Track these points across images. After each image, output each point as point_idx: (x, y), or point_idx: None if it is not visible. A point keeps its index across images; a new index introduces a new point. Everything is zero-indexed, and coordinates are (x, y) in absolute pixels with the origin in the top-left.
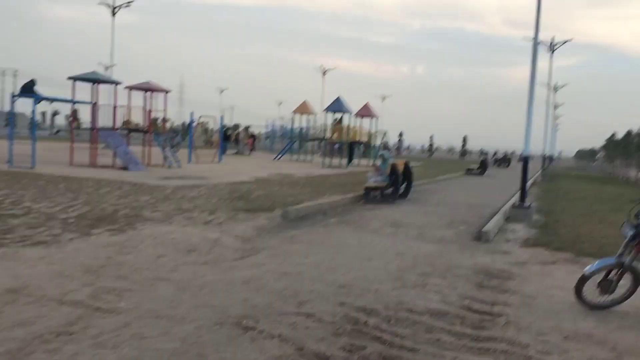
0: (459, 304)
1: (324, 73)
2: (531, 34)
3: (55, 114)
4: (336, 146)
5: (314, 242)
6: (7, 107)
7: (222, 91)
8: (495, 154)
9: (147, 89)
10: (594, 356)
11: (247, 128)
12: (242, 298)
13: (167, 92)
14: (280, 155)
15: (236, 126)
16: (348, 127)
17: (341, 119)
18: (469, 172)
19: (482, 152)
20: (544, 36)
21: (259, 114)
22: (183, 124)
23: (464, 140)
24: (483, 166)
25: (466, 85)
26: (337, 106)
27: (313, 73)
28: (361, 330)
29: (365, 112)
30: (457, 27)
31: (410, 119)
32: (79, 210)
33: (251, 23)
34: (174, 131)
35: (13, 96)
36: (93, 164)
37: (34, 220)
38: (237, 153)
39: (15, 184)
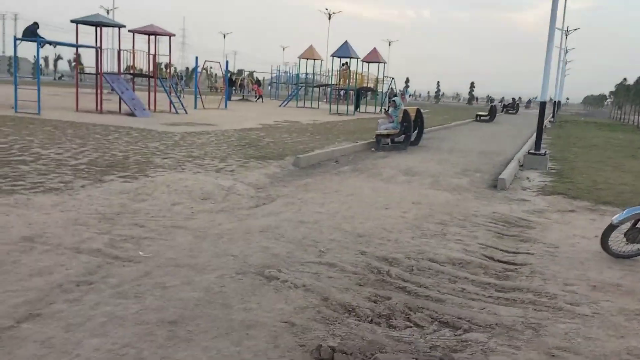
0: (480, 253)
1: (330, 17)
2: None
3: (58, 58)
4: (342, 92)
5: (328, 191)
6: (8, 52)
7: (225, 36)
8: (502, 100)
9: (151, 32)
10: (624, 307)
11: (251, 74)
12: (261, 247)
13: (171, 36)
14: (285, 102)
15: (240, 72)
16: (356, 73)
17: (348, 64)
18: (478, 118)
19: (490, 99)
20: None
21: (262, 59)
22: (186, 69)
23: (472, 86)
24: (492, 113)
25: (473, 30)
26: (344, 51)
27: (317, 17)
28: (385, 280)
29: (373, 57)
30: None
31: (416, 64)
32: (88, 157)
33: None
34: (178, 76)
35: (16, 40)
36: (99, 110)
37: (44, 167)
38: (242, 99)
39: (23, 129)
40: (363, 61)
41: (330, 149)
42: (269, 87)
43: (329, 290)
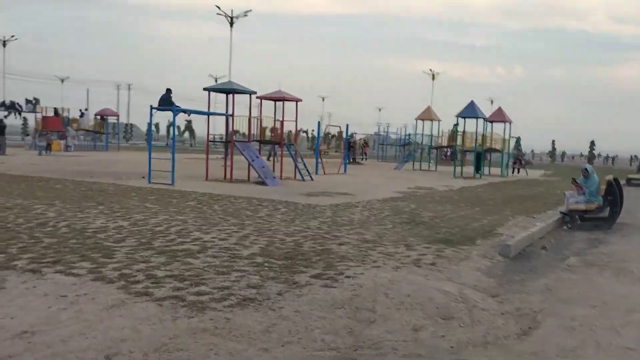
0: None
1: (433, 77)
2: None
3: (170, 125)
4: (449, 153)
5: (592, 301)
6: (122, 119)
7: (324, 99)
8: (636, 157)
9: (278, 98)
10: None
11: (352, 135)
12: None
13: (299, 101)
14: (402, 165)
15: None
16: (483, 134)
17: (457, 125)
18: (630, 182)
19: (607, 157)
20: None
21: (357, 120)
22: (289, 132)
23: (592, 145)
24: None
25: (569, 86)
26: (470, 111)
27: (408, 78)
28: None
29: (498, 117)
30: (558, 26)
31: (519, 123)
32: (256, 243)
33: (344, 33)
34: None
35: (152, 108)
36: (230, 179)
37: (216, 260)
38: (353, 161)
39: (168, 205)
40: (487, 121)
41: (528, 230)
42: (375, 149)
43: None
